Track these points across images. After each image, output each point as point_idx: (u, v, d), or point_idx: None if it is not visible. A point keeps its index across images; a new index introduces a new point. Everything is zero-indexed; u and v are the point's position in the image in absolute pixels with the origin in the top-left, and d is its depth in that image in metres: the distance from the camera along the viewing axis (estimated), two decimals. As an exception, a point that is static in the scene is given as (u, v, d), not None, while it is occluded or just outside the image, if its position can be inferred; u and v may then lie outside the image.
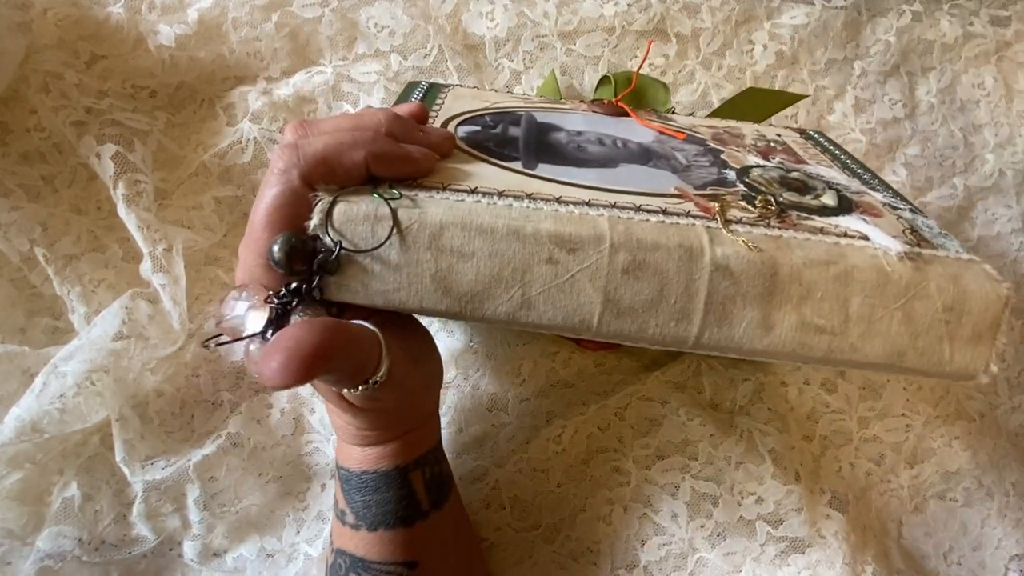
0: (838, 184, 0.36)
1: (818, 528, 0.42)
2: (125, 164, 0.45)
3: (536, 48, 0.53)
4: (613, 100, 0.46)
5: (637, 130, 0.42)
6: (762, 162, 0.38)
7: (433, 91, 0.45)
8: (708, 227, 0.29)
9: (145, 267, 0.44)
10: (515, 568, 0.42)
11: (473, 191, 0.29)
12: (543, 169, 0.33)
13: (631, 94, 0.48)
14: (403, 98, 0.44)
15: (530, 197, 0.29)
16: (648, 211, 0.29)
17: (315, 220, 0.27)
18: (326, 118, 0.31)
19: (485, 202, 0.29)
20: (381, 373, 0.28)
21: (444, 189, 0.29)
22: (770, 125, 0.49)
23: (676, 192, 0.32)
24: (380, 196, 0.27)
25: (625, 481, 0.43)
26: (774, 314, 0.28)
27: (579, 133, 0.39)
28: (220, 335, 0.28)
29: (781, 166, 0.38)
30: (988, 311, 0.28)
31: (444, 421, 0.45)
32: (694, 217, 0.30)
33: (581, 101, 0.47)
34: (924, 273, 0.28)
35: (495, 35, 0.53)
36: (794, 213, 0.32)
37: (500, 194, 0.29)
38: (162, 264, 0.43)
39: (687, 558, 0.41)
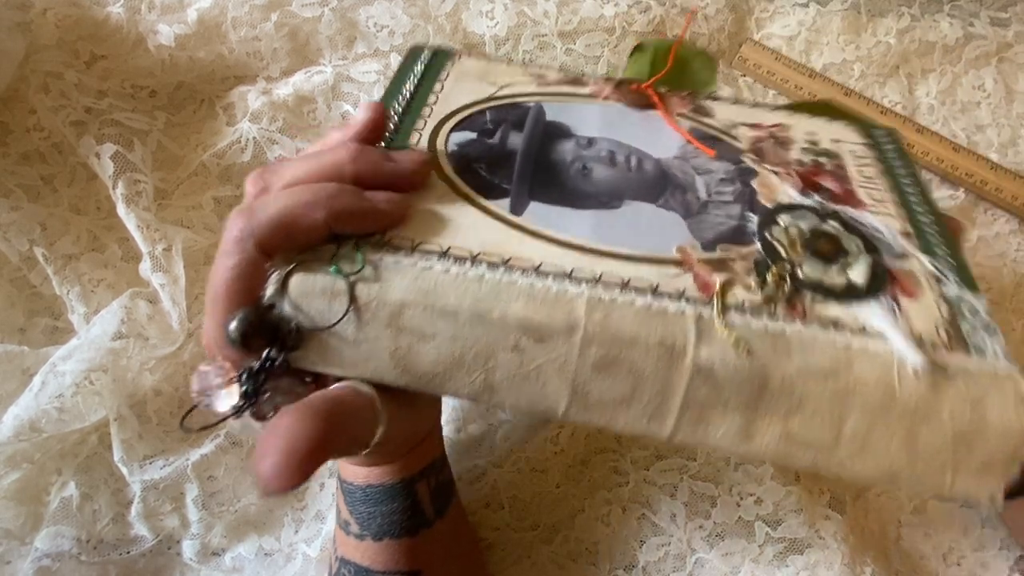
0: (879, 241, 0.31)
1: (817, 529, 0.42)
2: (125, 164, 0.45)
3: (536, 47, 0.53)
4: (642, 86, 0.38)
5: (662, 135, 0.36)
6: (797, 198, 0.33)
7: (436, 62, 0.39)
8: (699, 316, 0.26)
9: (145, 267, 0.44)
10: (513, 568, 0.42)
11: (445, 254, 0.27)
12: (533, 211, 0.30)
13: (670, 70, 0.40)
14: (406, 67, 0.38)
15: (506, 264, 0.26)
16: (636, 289, 0.26)
17: (269, 291, 0.25)
18: (289, 162, 0.28)
19: (455, 272, 0.26)
20: (378, 436, 0.26)
21: (413, 251, 0.27)
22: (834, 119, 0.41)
23: (677, 257, 0.28)
24: (338, 271, 0.25)
25: (624, 481, 0.43)
26: (757, 422, 0.26)
27: (589, 143, 0.34)
28: (196, 408, 0.26)
29: (818, 208, 0.32)
30: (1006, 442, 0.25)
31: (443, 420, 0.45)
32: (687, 300, 0.26)
33: (607, 80, 0.40)
34: (940, 394, 0.25)
35: (495, 34, 0.53)
36: (809, 295, 0.27)
37: (474, 259, 0.27)
38: (162, 264, 0.43)
39: (686, 559, 0.41)
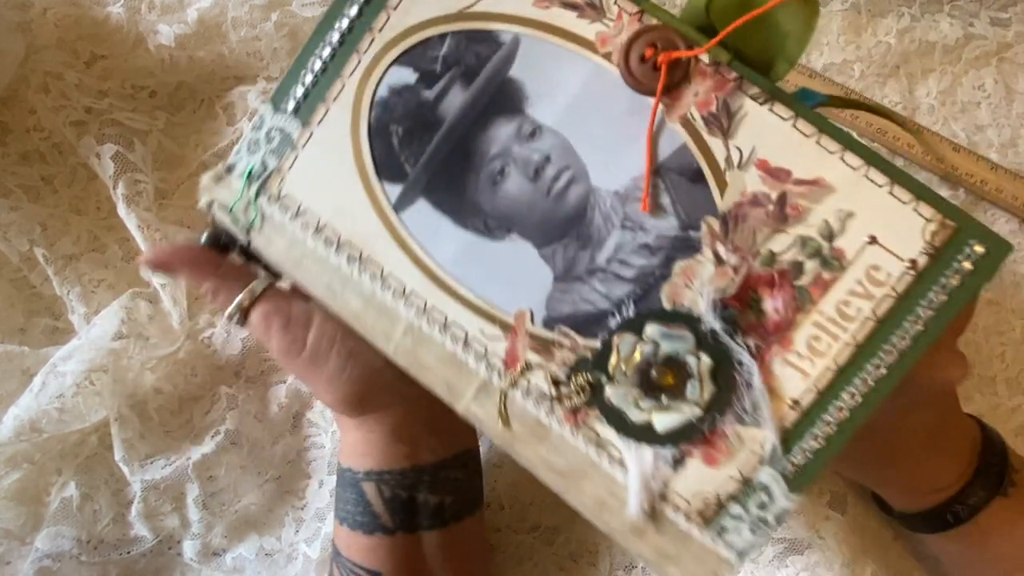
0: (738, 402, 0.26)
1: (817, 529, 0.42)
2: (125, 164, 0.45)
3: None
4: (671, 54, 0.26)
5: (631, 149, 0.28)
6: (701, 310, 0.26)
7: None
8: (487, 382, 0.29)
9: (145, 267, 0.44)
10: (515, 570, 0.42)
11: (319, 229, 0.30)
12: (416, 211, 0.30)
13: (744, 28, 0.25)
14: None
15: (361, 261, 0.30)
16: (452, 335, 0.29)
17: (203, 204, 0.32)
18: None
19: (320, 253, 0.30)
20: (232, 306, 0.32)
21: (297, 215, 0.31)
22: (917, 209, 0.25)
23: (508, 321, 0.29)
24: (235, 221, 0.32)
25: (624, 482, 0.43)
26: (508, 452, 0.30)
27: (533, 134, 0.29)
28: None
29: (707, 336, 0.26)
30: None
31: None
32: (486, 365, 0.29)
33: (637, 15, 0.28)
34: (639, 537, 0.27)
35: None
36: (595, 414, 0.28)
37: (338, 246, 0.30)
38: (162, 264, 0.43)
39: (686, 559, 0.41)
